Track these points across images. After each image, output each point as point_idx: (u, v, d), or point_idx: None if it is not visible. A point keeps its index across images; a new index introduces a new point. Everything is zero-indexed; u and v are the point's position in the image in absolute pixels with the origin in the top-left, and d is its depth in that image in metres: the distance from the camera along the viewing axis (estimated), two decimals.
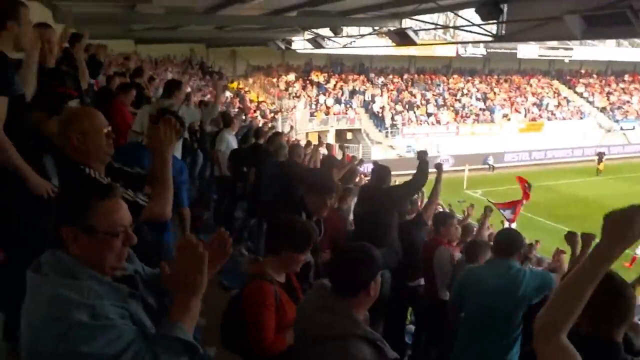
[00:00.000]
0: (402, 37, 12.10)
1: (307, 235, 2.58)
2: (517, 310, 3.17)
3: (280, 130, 20.45)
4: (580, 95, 39.07)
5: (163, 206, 2.30)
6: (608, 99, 39.18)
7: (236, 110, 18.37)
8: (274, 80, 31.42)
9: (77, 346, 1.34)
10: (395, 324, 4.82)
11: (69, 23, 10.04)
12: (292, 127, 21.83)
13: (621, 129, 36.22)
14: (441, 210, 7.53)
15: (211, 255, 1.52)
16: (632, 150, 34.13)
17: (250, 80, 30.96)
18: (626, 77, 41.77)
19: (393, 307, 4.64)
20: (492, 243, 3.91)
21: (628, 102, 39.40)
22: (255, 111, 24.52)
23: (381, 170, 4.84)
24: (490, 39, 10.37)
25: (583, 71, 41.53)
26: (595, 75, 41.58)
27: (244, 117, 13.35)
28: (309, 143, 8.65)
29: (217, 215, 7.23)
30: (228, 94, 23.77)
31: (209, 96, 20.56)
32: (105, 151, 2.31)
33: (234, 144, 7.00)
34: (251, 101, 26.94)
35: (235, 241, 6.35)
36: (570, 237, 3.73)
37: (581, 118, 36.69)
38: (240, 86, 28.75)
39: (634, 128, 36.46)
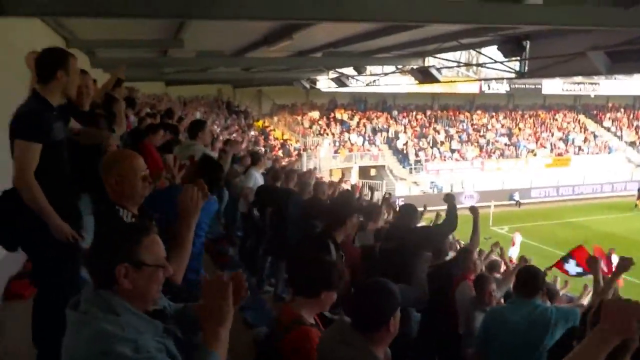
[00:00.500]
0: (425, 75, 12.29)
1: (342, 272, 2.61)
2: (541, 349, 3.14)
3: (304, 168, 20.70)
4: (608, 129, 38.52)
5: (176, 270, 2.25)
6: (637, 133, 38.49)
7: (262, 148, 18.73)
8: (299, 118, 31.99)
9: None
10: None
11: (105, 68, 10.58)
12: (315, 167, 22.04)
13: None
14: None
15: (233, 289, 1.66)
16: None
17: (275, 119, 31.61)
18: None
19: (420, 348, 4.59)
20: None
21: None
22: (279, 149, 24.92)
23: (409, 209, 4.88)
24: (513, 75, 10.42)
25: (610, 105, 41.07)
26: (622, 110, 41.03)
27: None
28: (332, 182, 8.72)
29: (242, 251, 7.30)
30: (253, 132, 24.28)
31: (235, 135, 21.06)
32: (140, 194, 2.43)
33: (260, 181, 7.12)
34: (276, 139, 27.41)
35: (258, 279, 6.42)
36: (591, 262, 3.72)
37: (609, 152, 36.03)
38: (266, 124, 29.36)
39: None
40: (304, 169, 21.87)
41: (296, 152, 25.93)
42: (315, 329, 2.47)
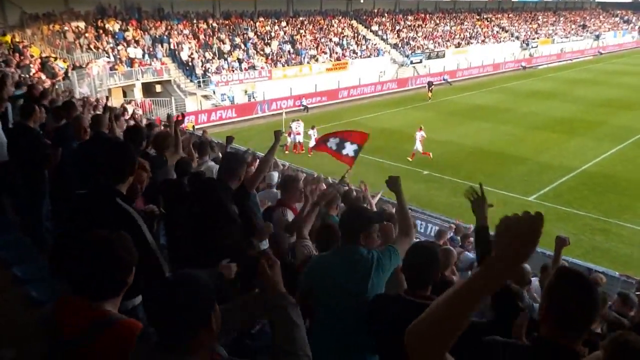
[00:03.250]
0: None
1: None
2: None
3: (76, 92, 17.89)
4: (375, 33, 42.19)
5: None
6: (399, 36, 43.06)
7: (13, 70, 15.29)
8: (58, 28, 27.04)
9: None
10: None
11: None
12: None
13: (411, 62, 40.39)
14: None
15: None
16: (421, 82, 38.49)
17: (29, 32, 26.14)
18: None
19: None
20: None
21: (414, 38, 43.90)
22: (40, 70, 20.89)
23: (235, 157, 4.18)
24: None
25: (376, 10, 44.74)
26: (386, 14, 45.16)
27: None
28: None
29: None
30: None
31: None
32: None
33: None
34: (32, 57, 22.84)
35: (38, 238, 5.32)
36: (392, 182, 3.33)
37: (377, 55, 39.76)
38: (17, 40, 24.10)
39: (421, 61, 40.97)
40: (76, 92, 18.99)
41: (62, 72, 22.16)
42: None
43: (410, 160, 20.05)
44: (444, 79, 39.05)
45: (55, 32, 26.68)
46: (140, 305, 3.05)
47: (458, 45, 46.06)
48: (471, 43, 47.43)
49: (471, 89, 37.41)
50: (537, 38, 54.33)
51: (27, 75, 17.00)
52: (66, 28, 27.38)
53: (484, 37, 49.87)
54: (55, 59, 23.81)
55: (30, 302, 4.18)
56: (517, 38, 52.76)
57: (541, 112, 29.18)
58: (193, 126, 23.33)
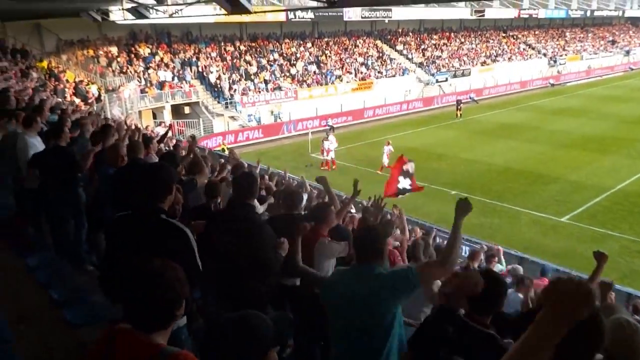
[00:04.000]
0: (233, 5, 11.38)
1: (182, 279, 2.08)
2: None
3: (108, 113, 18.37)
4: (400, 52, 42.31)
5: None
6: (423, 55, 43.07)
7: (50, 95, 15.85)
8: (92, 52, 27.94)
9: None
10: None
11: None
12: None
13: (437, 81, 40.29)
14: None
15: None
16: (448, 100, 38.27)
17: (64, 57, 27.12)
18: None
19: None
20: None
21: (439, 56, 43.85)
22: (74, 93, 21.60)
23: (246, 179, 4.11)
24: (323, 5, 10.24)
25: (400, 30, 44.95)
26: (411, 34, 45.31)
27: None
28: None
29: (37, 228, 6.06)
30: (34, 75, 20.45)
31: (13, 80, 17.48)
32: None
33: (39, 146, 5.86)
34: (68, 81, 23.64)
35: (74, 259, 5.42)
36: (464, 207, 2.97)
37: (403, 74, 39.79)
38: (53, 65, 25.02)
39: (446, 80, 40.84)
40: (108, 114, 19.50)
41: (95, 96, 22.86)
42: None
43: (380, 172, 20.14)
44: (470, 97, 38.77)
45: (89, 58, 27.60)
46: (185, 327, 3.08)
47: (484, 63, 45.79)
48: (497, 61, 47.10)
49: (498, 107, 37.03)
50: (565, 55, 53.62)
51: (62, 99, 17.59)
52: (100, 53, 28.30)
53: (511, 54, 49.47)
54: (88, 83, 24.62)
55: (66, 325, 4.24)
56: (545, 55, 52.16)
57: (571, 129, 28.62)
58: (223, 149, 23.49)
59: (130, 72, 28.01)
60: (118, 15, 18.69)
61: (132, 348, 1.84)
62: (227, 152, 21.29)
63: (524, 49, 51.63)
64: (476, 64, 45.17)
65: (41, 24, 26.47)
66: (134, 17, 16.79)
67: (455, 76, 41.70)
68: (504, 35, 52.40)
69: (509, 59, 48.48)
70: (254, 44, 35.53)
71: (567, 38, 58.16)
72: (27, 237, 5.86)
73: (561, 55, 52.91)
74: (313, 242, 4.10)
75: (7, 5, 15.65)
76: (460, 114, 33.29)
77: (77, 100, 19.88)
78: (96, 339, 1.97)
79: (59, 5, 16.86)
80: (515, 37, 53.15)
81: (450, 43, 46.80)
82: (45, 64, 24.42)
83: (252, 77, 32.39)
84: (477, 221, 15.52)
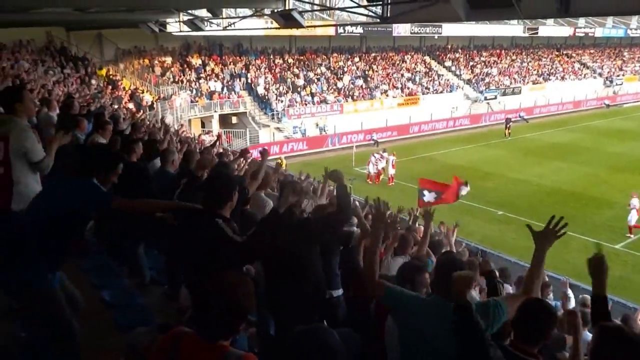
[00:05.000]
0: (287, 19, 11.63)
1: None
2: None
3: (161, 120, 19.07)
4: (449, 69, 41.84)
5: None
6: (472, 72, 42.42)
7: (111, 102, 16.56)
8: (147, 62, 29.07)
9: None
10: None
11: None
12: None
13: (485, 98, 39.54)
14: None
15: None
16: (495, 118, 37.45)
17: (122, 66, 28.36)
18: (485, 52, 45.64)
19: None
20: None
21: (489, 73, 43.06)
22: (129, 100, 22.51)
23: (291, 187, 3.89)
24: (377, 20, 10.28)
25: (449, 46, 44.48)
26: (460, 50, 44.75)
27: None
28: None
29: (99, 234, 6.29)
30: (94, 82, 21.45)
31: (74, 85, 18.40)
32: None
33: None
34: (124, 89, 24.69)
35: (130, 268, 5.64)
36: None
37: (450, 91, 39.29)
38: (111, 73, 26.20)
39: (495, 97, 40.01)
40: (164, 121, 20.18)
41: (148, 104, 23.74)
42: None
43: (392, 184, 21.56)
44: (520, 116, 37.81)
45: (145, 67, 28.73)
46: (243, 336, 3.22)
47: (535, 82, 44.61)
48: (549, 79, 45.78)
49: (549, 127, 35.92)
50: (622, 75, 51.51)
51: (118, 106, 18.36)
52: (155, 62, 29.41)
53: (564, 73, 48.00)
54: (143, 91, 25.62)
55: (116, 327, 4.38)
56: (600, 75, 50.30)
57: (627, 152, 27.39)
58: (280, 162, 23.40)
59: (182, 81, 28.94)
60: (175, 27, 19.39)
61: (198, 350, 1.90)
62: (284, 166, 21.51)
63: (578, 68, 49.99)
64: (527, 82, 44.06)
65: (102, 34, 27.80)
66: (189, 29, 17.38)
67: (504, 94, 40.80)
68: (557, 53, 50.94)
69: (562, 77, 47.05)
70: (302, 57, 36.00)
71: (625, 58, 55.91)
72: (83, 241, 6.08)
73: (618, 76, 50.88)
74: None
75: (75, 16, 16.56)
76: (509, 133, 32.57)
77: (132, 106, 20.71)
78: (161, 339, 2.04)
79: (121, 16, 17.65)
80: (569, 55, 51.58)
81: (501, 60, 45.91)
82: (104, 71, 25.58)
83: (299, 89, 32.81)
84: (524, 244, 15.02)
